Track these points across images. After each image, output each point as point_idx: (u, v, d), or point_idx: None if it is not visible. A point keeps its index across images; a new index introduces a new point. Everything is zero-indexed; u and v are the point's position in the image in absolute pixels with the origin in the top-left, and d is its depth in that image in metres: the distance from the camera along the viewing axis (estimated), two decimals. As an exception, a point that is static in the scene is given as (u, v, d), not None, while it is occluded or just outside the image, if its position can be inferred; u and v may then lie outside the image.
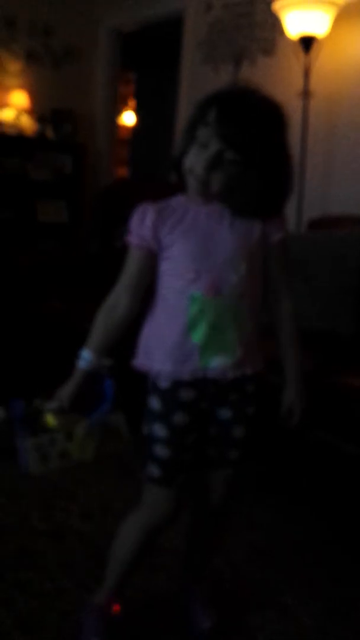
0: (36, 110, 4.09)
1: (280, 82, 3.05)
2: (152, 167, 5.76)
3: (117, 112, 4.79)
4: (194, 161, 1.14)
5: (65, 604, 1.44)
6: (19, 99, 4.03)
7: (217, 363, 1.18)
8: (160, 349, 1.21)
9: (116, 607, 1.34)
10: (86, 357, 1.24)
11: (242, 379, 1.23)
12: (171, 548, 1.58)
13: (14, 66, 4.05)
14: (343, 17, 2.71)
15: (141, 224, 1.19)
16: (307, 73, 2.79)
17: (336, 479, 1.87)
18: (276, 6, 2.77)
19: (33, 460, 1.30)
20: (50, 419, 1.27)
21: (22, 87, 4.06)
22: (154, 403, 1.23)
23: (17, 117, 4.03)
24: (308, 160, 2.84)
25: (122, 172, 5.72)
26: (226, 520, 1.42)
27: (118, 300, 1.23)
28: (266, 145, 1.13)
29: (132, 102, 6.44)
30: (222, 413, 1.25)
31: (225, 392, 1.23)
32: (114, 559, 1.33)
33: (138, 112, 6.37)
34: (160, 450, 1.22)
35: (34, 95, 4.07)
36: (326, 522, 1.88)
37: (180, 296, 1.18)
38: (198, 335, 1.17)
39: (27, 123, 4.09)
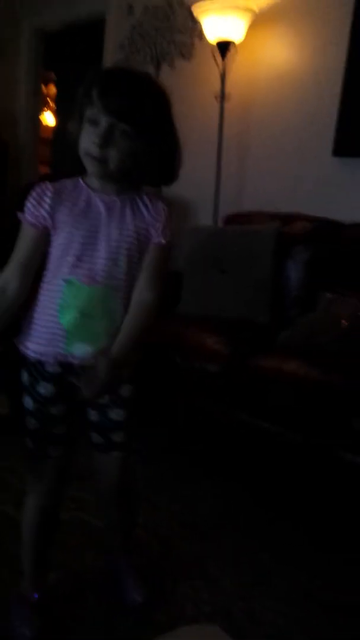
0: None
1: (199, 85, 3.18)
2: (73, 167, 5.72)
3: (39, 110, 4.76)
4: (88, 142, 1.14)
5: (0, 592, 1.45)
6: None
7: (81, 351, 1.19)
8: (31, 328, 1.23)
9: (34, 593, 1.38)
10: None
11: None
12: (99, 526, 1.63)
13: None
14: (257, 23, 2.84)
15: (38, 203, 1.18)
16: (223, 76, 2.91)
17: (256, 454, 2.00)
18: (195, 11, 2.87)
19: None
20: None
21: None
22: (24, 376, 1.26)
23: None
24: (223, 159, 2.97)
25: (45, 170, 5.66)
26: (128, 499, 1.44)
27: (8, 281, 1.20)
28: (155, 116, 1.14)
29: (52, 102, 6.40)
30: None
31: None
32: (23, 544, 1.37)
33: (59, 112, 6.33)
34: (29, 422, 1.27)
35: None
36: (248, 495, 1.99)
37: (58, 279, 1.19)
38: (66, 320, 1.18)
39: None
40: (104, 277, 1.18)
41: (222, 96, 2.94)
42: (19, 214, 1.21)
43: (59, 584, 1.50)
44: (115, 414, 1.29)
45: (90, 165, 1.16)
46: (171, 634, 0.90)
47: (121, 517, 1.46)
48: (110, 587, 1.48)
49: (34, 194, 1.20)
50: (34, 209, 1.19)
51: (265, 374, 1.93)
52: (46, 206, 1.18)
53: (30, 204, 1.19)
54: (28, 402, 1.27)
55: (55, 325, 1.20)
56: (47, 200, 1.18)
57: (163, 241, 1.22)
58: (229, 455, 2.05)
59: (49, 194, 1.19)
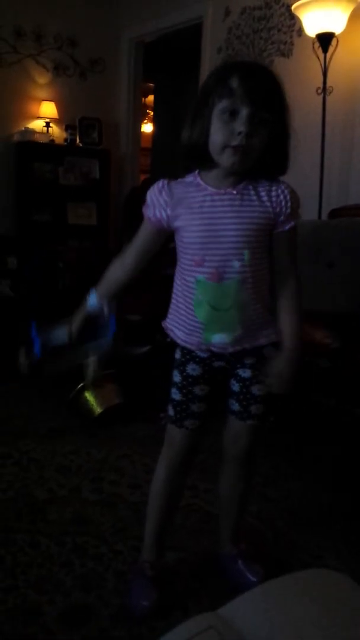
0: (65, 120, 4.27)
1: (299, 81, 3.15)
2: (171, 175, 5.84)
3: (139, 121, 4.93)
4: (226, 134, 1.13)
5: (120, 565, 1.54)
6: (49, 109, 4.20)
7: (218, 340, 1.27)
8: (175, 318, 1.33)
9: (152, 567, 1.44)
10: (91, 297, 1.39)
11: (259, 345, 1.31)
12: (214, 513, 1.68)
13: (43, 78, 4.23)
14: (358, 14, 2.79)
15: (157, 200, 1.25)
16: (325, 70, 2.88)
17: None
18: (294, 7, 2.87)
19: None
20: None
21: (51, 98, 4.24)
22: (176, 353, 1.37)
23: (47, 126, 4.21)
24: (327, 154, 2.94)
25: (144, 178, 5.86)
26: (250, 468, 1.49)
27: (125, 259, 1.36)
28: (282, 105, 1.16)
29: (151, 111, 6.57)
30: (242, 372, 1.35)
31: (241, 357, 1.33)
32: (147, 511, 1.46)
33: (157, 121, 6.49)
34: (174, 394, 1.38)
35: (62, 106, 4.24)
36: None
37: (189, 276, 1.25)
38: (201, 315, 1.26)
39: (56, 132, 4.28)
40: (230, 273, 1.21)
41: (324, 90, 2.91)
42: (144, 207, 1.28)
43: (176, 563, 1.56)
44: (257, 389, 1.35)
45: (230, 157, 1.15)
46: (291, 576, 0.88)
47: (238, 487, 1.49)
48: (227, 569, 1.51)
49: (154, 190, 1.26)
50: (152, 206, 1.26)
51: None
52: (163, 205, 1.24)
53: (149, 200, 1.26)
54: (176, 376, 1.37)
55: (193, 319, 1.28)
56: (164, 200, 1.24)
57: (293, 223, 1.24)
58: (340, 449, 2.02)
59: (164, 194, 1.24)
